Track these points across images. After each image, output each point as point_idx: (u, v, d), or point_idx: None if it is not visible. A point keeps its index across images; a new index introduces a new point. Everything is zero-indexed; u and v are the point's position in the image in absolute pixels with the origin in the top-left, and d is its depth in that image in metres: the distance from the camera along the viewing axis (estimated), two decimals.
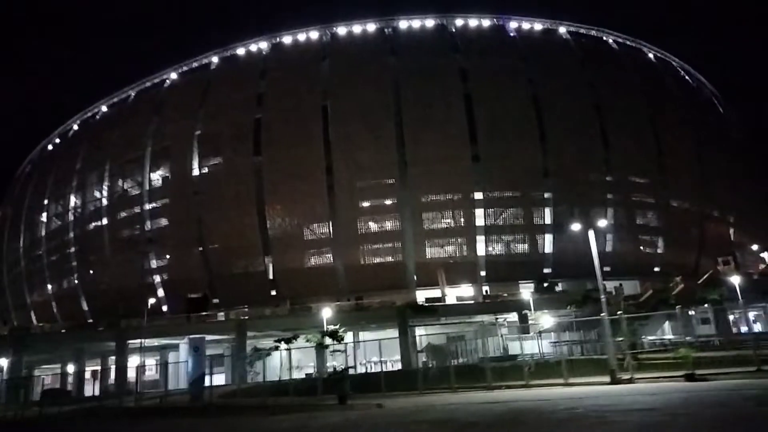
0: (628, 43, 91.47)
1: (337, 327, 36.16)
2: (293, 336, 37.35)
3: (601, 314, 28.18)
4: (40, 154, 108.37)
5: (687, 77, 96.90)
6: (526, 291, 47.52)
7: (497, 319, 54.39)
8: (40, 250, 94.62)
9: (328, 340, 33.58)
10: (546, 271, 71.00)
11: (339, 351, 35.26)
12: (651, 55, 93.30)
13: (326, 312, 41.54)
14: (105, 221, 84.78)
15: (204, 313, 56.75)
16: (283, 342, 36.40)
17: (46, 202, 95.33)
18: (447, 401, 22.24)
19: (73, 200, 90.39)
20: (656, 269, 75.53)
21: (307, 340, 35.32)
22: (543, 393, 22.15)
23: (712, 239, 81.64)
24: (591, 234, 29.46)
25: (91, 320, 74.40)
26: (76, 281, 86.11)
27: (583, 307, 40.54)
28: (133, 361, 66.51)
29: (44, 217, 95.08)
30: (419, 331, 55.21)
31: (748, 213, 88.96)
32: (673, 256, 77.35)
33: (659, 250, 78.56)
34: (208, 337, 54.99)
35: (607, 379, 23.57)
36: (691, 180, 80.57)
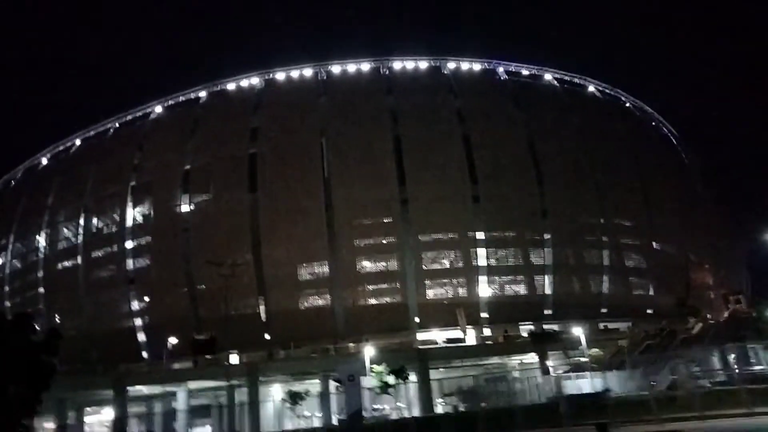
0: (608, 91, 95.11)
1: (382, 367, 33.67)
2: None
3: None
4: (2, 190, 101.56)
5: (664, 128, 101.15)
6: (578, 327, 46.35)
7: (521, 360, 52.85)
8: None
9: (391, 380, 31.08)
10: (546, 312, 70.39)
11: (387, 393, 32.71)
12: (629, 104, 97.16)
13: (369, 351, 38.87)
14: (79, 260, 79.19)
15: (211, 357, 52.39)
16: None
17: (10, 239, 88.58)
18: None
19: (42, 238, 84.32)
20: (649, 311, 76.14)
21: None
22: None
23: (696, 283, 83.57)
24: None
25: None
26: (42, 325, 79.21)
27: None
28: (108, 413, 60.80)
29: (7, 255, 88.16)
30: (433, 375, 52.79)
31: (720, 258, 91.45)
32: (662, 298, 78.36)
33: (651, 293, 79.43)
34: (191, 385, 50.86)
35: None
36: (675, 227, 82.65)
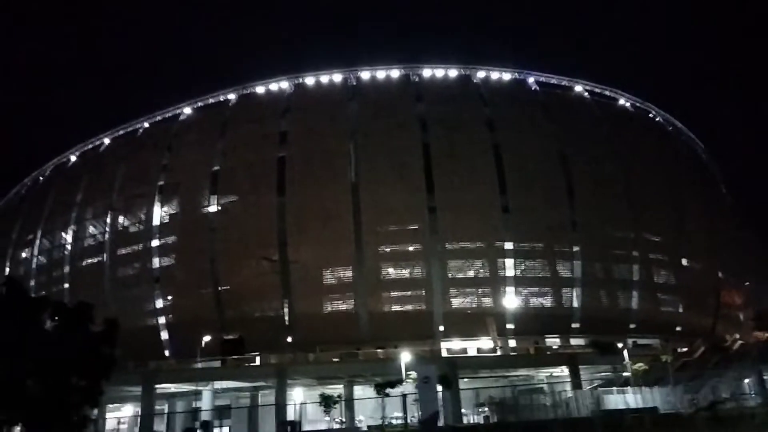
0: (638, 104, 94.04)
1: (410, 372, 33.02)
2: (391, 381, 33.49)
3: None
4: (31, 186, 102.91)
5: (693, 143, 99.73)
6: (620, 342, 45.26)
7: (551, 373, 51.76)
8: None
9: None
10: (574, 325, 69.18)
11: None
12: (658, 118, 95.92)
13: (405, 357, 38.26)
14: (105, 257, 79.72)
15: (239, 357, 52.11)
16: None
17: (37, 235, 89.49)
18: None
19: (69, 234, 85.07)
20: (678, 329, 74.55)
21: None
22: None
23: (725, 301, 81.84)
24: None
25: None
26: None
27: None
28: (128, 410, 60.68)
29: (33, 251, 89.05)
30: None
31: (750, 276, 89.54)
32: (692, 316, 76.75)
33: (680, 310, 77.77)
34: (217, 384, 50.53)
35: None
36: (705, 243, 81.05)
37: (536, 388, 47.86)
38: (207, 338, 57.99)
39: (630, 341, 67.75)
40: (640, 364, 43.97)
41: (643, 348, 60.56)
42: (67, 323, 26.51)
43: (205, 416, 46.74)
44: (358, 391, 56.16)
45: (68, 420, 23.98)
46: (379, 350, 57.71)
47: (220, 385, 48.62)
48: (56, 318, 26.98)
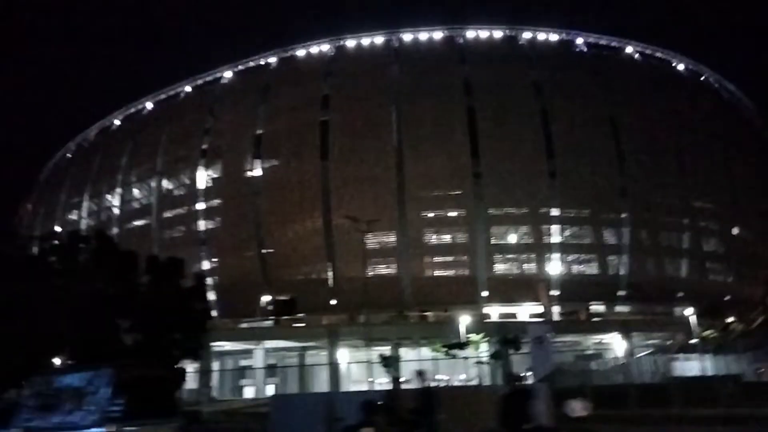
0: (691, 67, 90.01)
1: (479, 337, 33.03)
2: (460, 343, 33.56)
3: None
4: (77, 149, 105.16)
5: (748, 109, 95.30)
6: (686, 309, 44.53)
7: (601, 339, 51.37)
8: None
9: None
10: (620, 293, 68.21)
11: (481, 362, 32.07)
12: (714, 82, 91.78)
13: (464, 320, 38.39)
14: (151, 220, 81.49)
15: (291, 317, 53.24)
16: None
17: (84, 198, 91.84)
18: None
19: (116, 197, 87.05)
20: (727, 298, 72.78)
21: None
22: None
23: None
24: None
25: None
26: None
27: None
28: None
29: (83, 213, 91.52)
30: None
31: None
32: (742, 286, 74.78)
33: (729, 279, 75.82)
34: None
35: None
36: (757, 212, 78.30)
37: (592, 354, 47.51)
38: (266, 298, 58.97)
39: (678, 309, 66.83)
40: (711, 331, 43.07)
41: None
42: (160, 278, 27.12)
43: (258, 374, 48.00)
44: (403, 353, 56.77)
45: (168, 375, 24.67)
46: (428, 313, 57.95)
47: (271, 344, 49.78)
48: (150, 272, 27.63)
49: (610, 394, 23.84)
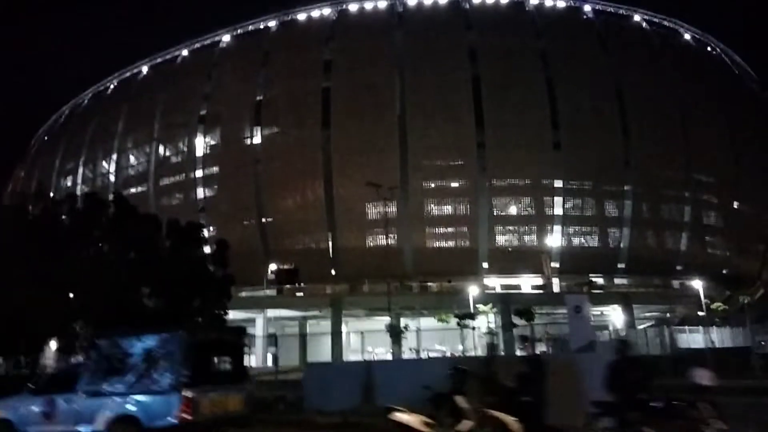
0: (698, 36, 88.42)
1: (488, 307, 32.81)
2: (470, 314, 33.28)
3: None
4: (70, 114, 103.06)
5: (753, 82, 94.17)
6: (696, 281, 44.52)
7: (602, 311, 51.53)
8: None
9: (516, 320, 30.29)
10: (620, 265, 68.29)
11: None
12: (720, 53, 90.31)
13: (473, 290, 38.16)
14: (147, 187, 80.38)
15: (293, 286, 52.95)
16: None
17: (79, 163, 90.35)
18: None
19: (112, 164, 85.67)
20: (724, 271, 73.09)
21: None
22: None
23: None
24: None
25: None
26: None
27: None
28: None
29: (77, 179, 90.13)
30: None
31: None
32: (740, 261, 74.97)
33: (728, 253, 75.98)
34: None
35: None
36: (759, 188, 77.93)
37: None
38: (273, 267, 58.41)
39: (677, 282, 67.21)
40: (719, 304, 43.14)
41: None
42: (180, 242, 26.50)
43: (259, 343, 47.90)
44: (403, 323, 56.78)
45: None
46: (431, 284, 57.82)
47: (272, 313, 49.60)
48: (170, 236, 26.97)
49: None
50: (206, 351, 12.99)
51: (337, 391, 16.16)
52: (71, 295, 23.39)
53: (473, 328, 32.30)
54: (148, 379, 12.05)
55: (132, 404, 11.87)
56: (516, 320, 37.94)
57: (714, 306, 42.74)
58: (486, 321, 32.47)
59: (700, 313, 41.93)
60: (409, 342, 50.46)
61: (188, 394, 11.44)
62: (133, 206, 28.47)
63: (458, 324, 30.90)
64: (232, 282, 27.60)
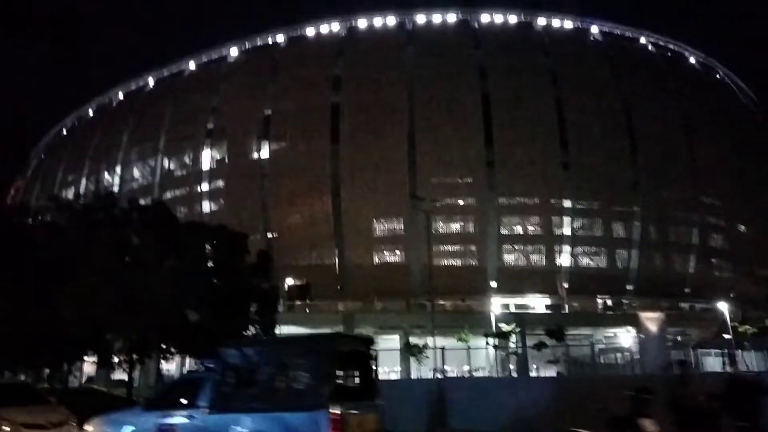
0: (702, 60, 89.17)
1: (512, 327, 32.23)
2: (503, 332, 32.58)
3: None
4: (75, 125, 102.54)
5: (755, 105, 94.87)
6: (722, 303, 44.28)
7: (614, 333, 50.96)
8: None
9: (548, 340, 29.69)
10: (628, 287, 67.85)
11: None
12: (724, 77, 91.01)
13: (495, 309, 37.53)
14: (152, 200, 79.41)
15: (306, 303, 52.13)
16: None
17: (83, 174, 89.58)
18: None
19: (116, 176, 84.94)
20: (731, 295, 72.71)
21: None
22: None
23: None
24: None
25: None
26: None
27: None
28: None
29: (80, 191, 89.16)
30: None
31: None
32: (745, 284, 74.65)
33: (734, 275, 75.62)
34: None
35: None
36: (764, 210, 77.90)
37: (613, 348, 47.17)
38: (290, 281, 57.58)
39: (685, 305, 66.75)
40: (747, 327, 42.64)
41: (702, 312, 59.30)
42: (223, 252, 25.72)
43: None
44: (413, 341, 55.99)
45: None
46: (443, 302, 57.17)
47: (282, 330, 48.59)
48: (215, 245, 26.15)
49: None
50: (344, 363, 11.64)
51: (401, 413, 15.00)
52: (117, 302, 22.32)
53: (496, 348, 31.67)
54: (287, 393, 10.63)
55: (268, 423, 10.22)
56: (542, 340, 37.18)
57: (742, 329, 42.30)
58: (510, 341, 31.95)
59: (726, 336, 41.37)
60: (430, 362, 49.82)
61: (337, 410, 9.97)
62: (174, 213, 27.53)
63: (487, 343, 30.21)
64: (277, 295, 26.75)
